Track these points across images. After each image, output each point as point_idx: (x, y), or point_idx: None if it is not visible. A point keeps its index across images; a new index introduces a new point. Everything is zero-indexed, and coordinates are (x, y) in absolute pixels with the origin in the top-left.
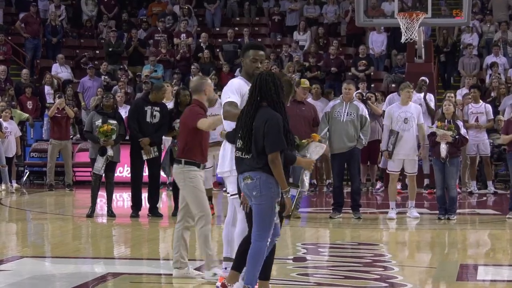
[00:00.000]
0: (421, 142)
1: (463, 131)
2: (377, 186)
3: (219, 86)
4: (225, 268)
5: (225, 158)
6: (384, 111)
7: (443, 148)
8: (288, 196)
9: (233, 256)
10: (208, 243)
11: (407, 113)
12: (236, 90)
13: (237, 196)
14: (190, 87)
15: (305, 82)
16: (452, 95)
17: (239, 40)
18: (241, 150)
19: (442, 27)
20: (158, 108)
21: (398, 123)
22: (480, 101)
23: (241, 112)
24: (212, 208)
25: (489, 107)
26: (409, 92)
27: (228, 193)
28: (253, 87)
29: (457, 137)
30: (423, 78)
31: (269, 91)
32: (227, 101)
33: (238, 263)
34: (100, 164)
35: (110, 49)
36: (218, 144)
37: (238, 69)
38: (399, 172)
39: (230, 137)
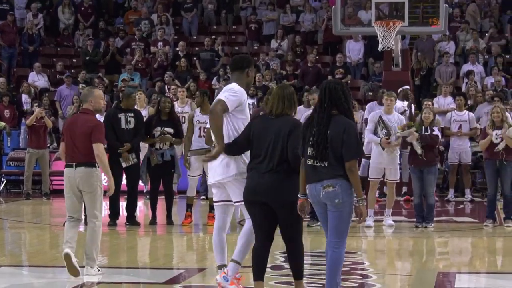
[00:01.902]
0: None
1: (436, 132)
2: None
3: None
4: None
5: (228, 163)
6: (366, 118)
7: (416, 146)
8: (364, 204)
9: (225, 263)
10: None
11: (390, 123)
12: (237, 99)
13: (242, 203)
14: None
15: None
16: (430, 103)
17: (216, 48)
18: (313, 158)
19: (418, 50)
20: (132, 114)
21: (382, 131)
22: (464, 109)
23: (309, 120)
24: (190, 216)
25: (472, 115)
26: (387, 100)
27: (220, 200)
28: (322, 95)
29: (423, 133)
30: (406, 87)
31: (340, 100)
32: (219, 99)
33: (259, 273)
34: None
35: (88, 58)
36: (208, 151)
37: (215, 78)
38: (379, 179)
39: (231, 148)
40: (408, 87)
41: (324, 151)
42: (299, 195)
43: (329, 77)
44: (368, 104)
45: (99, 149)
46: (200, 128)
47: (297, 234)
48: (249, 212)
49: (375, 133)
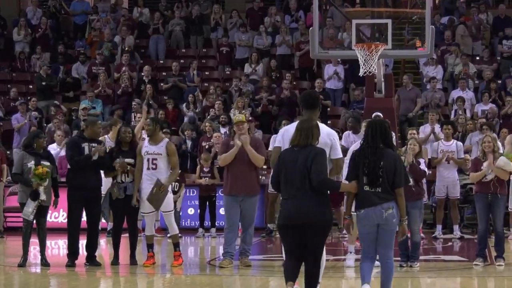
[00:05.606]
0: None
1: (422, 166)
2: (344, 231)
3: (165, 123)
4: None
5: None
6: (344, 147)
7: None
8: (406, 223)
9: None
10: None
11: None
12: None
13: None
14: None
15: (237, 117)
16: (415, 132)
17: (184, 73)
18: (370, 185)
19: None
20: (95, 145)
21: None
22: (452, 139)
23: (360, 152)
24: (152, 256)
25: (460, 145)
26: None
27: None
28: (374, 131)
29: (413, 163)
30: (377, 113)
31: (388, 136)
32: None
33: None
34: (30, 208)
35: (44, 83)
36: (158, 186)
37: (184, 104)
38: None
39: (273, 188)
40: (380, 113)
41: (379, 179)
42: (345, 217)
43: None
44: (344, 134)
45: None
46: (148, 160)
47: (322, 253)
48: (283, 237)
49: None
